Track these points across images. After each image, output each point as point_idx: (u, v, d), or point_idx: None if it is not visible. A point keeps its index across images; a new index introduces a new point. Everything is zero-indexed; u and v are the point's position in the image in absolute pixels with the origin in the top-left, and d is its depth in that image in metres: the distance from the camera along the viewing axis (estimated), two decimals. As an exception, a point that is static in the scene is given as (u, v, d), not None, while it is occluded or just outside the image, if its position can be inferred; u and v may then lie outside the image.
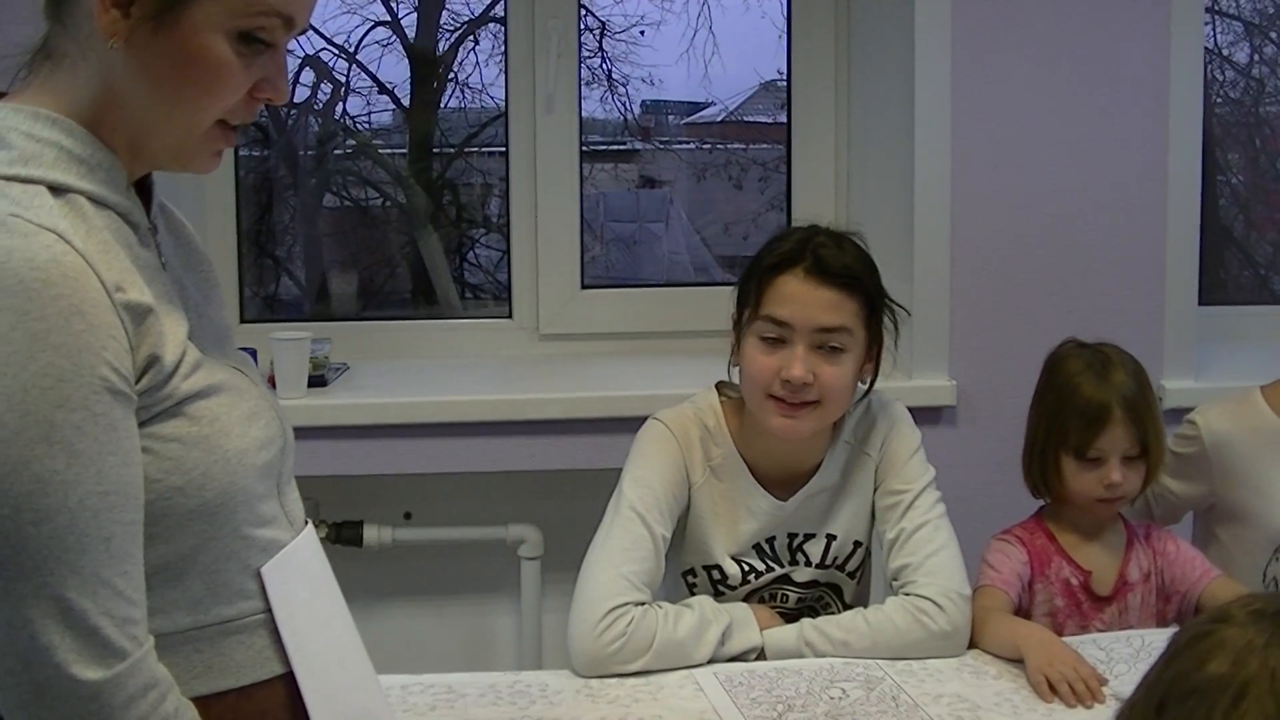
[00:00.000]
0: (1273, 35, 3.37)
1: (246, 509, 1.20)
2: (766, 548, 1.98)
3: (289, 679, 1.25)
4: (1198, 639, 0.94)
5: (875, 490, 1.98)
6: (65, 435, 1.04)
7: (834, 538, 1.98)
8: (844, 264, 1.86)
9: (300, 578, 1.28)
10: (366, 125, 3.21)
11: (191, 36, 1.13)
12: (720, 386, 2.02)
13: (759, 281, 1.88)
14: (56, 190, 1.11)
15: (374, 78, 3.12)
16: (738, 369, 1.94)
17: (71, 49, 1.16)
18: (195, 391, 1.16)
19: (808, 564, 1.99)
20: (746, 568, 1.97)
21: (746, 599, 1.96)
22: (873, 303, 1.89)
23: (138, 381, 1.11)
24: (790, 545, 1.99)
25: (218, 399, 1.18)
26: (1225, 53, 3.35)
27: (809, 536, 1.98)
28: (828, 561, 1.99)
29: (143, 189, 1.22)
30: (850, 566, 2.00)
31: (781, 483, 1.97)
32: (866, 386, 1.96)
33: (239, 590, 1.21)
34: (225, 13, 1.13)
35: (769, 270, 1.87)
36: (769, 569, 1.98)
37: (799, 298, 1.84)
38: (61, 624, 1.04)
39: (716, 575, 1.97)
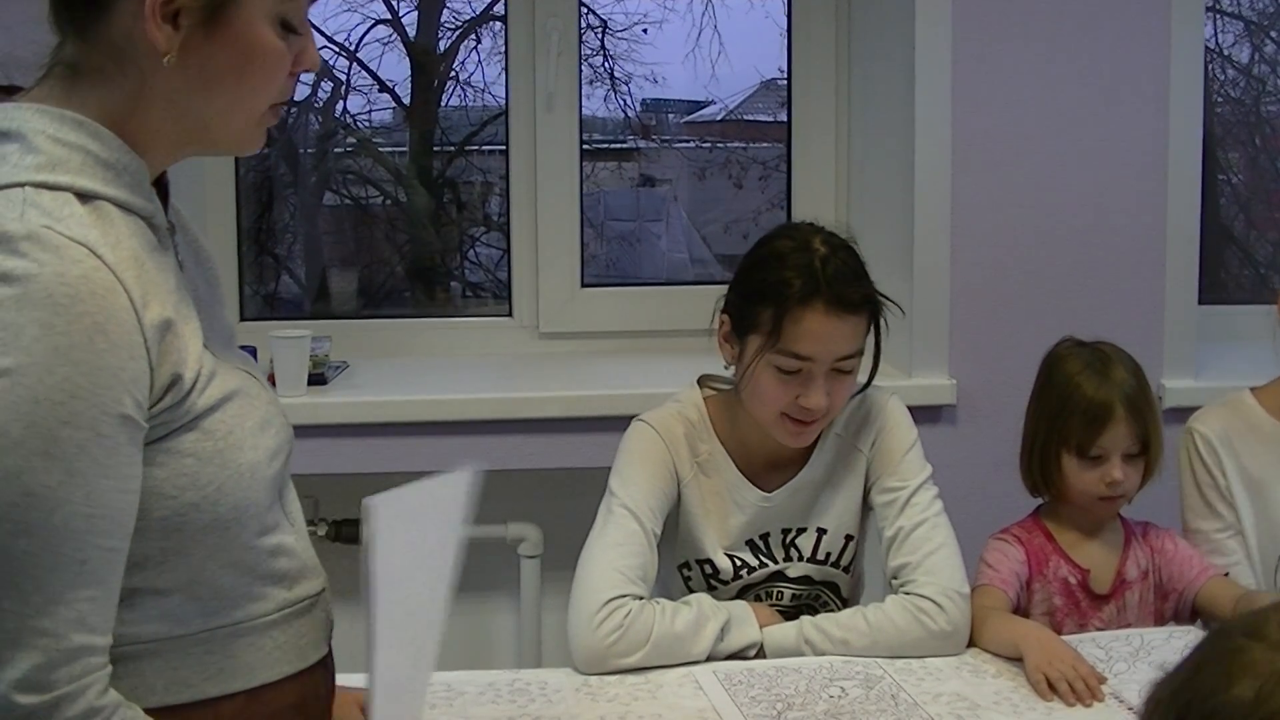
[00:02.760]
0: (1273, 34, 3.37)
1: (256, 521, 1.20)
2: (760, 544, 1.98)
3: (297, 679, 1.26)
4: (1228, 653, 0.91)
5: (870, 487, 1.98)
6: (66, 451, 1.04)
7: (824, 531, 1.99)
8: (862, 295, 1.86)
9: (412, 525, 1.18)
10: (367, 123, 3.22)
11: (243, 31, 1.15)
12: (702, 381, 2.03)
13: (777, 312, 1.84)
14: (84, 197, 1.11)
15: (375, 76, 3.12)
16: (731, 369, 1.94)
17: (106, 65, 1.15)
18: (211, 405, 1.16)
19: (800, 559, 1.99)
20: (739, 563, 1.97)
21: (741, 595, 1.96)
22: (876, 312, 1.91)
23: (161, 399, 1.11)
24: (784, 541, 1.99)
25: (231, 408, 1.19)
26: (1226, 51, 3.35)
27: (800, 531, 1.99)
28: (819, 556, 1.99)
29: (158, 185, 1.22)
30: (844, 561, 2.01)
31: (768, 476, 1.97)
32: (865, 381, 1.96)
33: (246, 594, 1.21)
34: (270, 1, 1.15)
35: (786, 302, 1.83)
36: (762, 564, 1.98)
37: (821, 334, 1.83)
38: (13, 643, 1.04)
39: (709, 570, 1.97)
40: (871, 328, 1.90)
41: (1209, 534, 2.10)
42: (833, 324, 1.83)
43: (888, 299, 1.92)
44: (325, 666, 1.33)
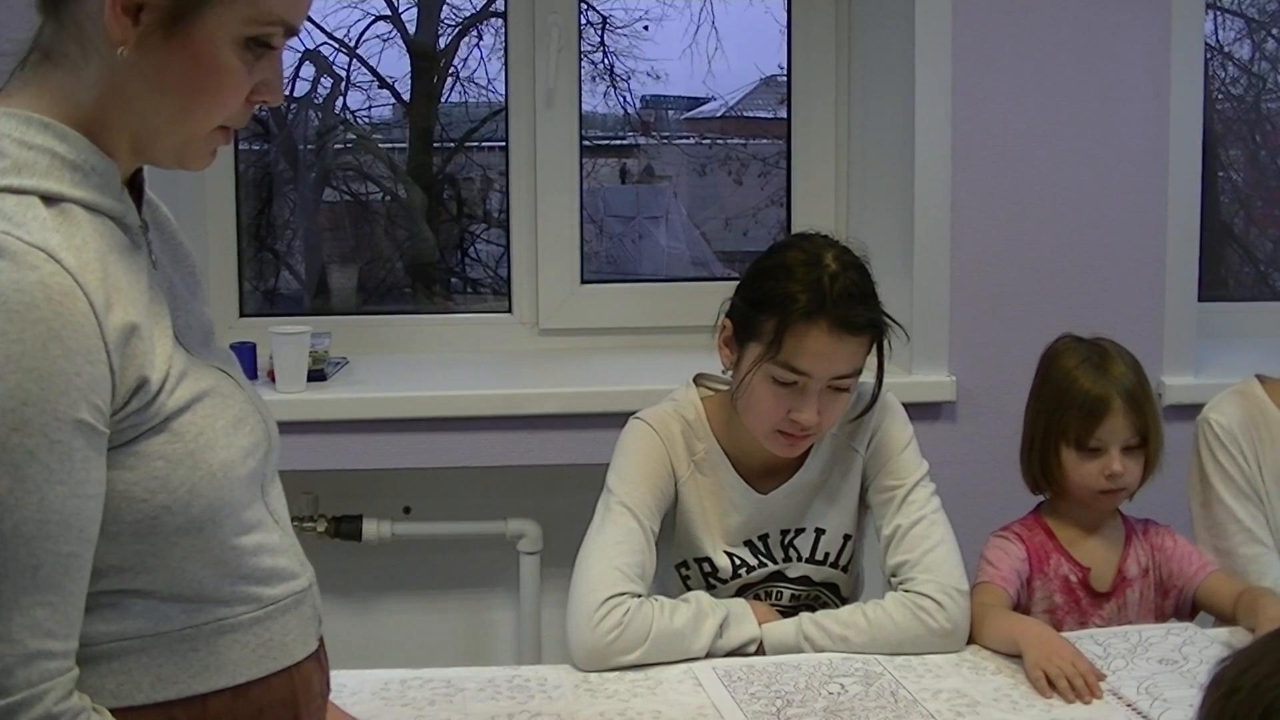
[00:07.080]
0: (1274, 31, 3.37)
1: (233, 520, 1.20)
2: (759, 545, 1.98)
3: (286, 675, 1.25)
4: None
5: (867, 485, 1.98)
6: (15, 459, 1.03)
7: (823, 531, 1.99)
8: (867, 318, 1.85)
9: None
10: (367, 120, 3.21)
11: (202, 44, 1.13)
12: (698, 379, 2.03)
13: (779, 325, 1.83)
14: (49, 200, 1.10)
15: (374, 72, 3.12)
16: (729, 373, 1.94)
17: (72, 50, 1.14)
18: (181, 406, 1.15)
19: (799, 559, 1.99)
20: (738, 561, 1.97)
21: (740, 595, 1.96)
22: (880, 334, 1.89)
23: (127, 403, 1.10)
24: (783, 542, 1.99)
25: (202, 409, 1.18)
26: (1226, 49, 3.35)
27: (799, 531, 1.99)
28: (818, 557, 1.99)
29: (132, 184, 1.22)
30: (843, 561, 2.01)
31: (764, 477, 1.97)
32: (869, 403, 1.95)
33: (229, 592, 1.21)
34: (235, 21, 1.13)
35: (790, 316, 1.82)
36: (761, 564, 1.98)
37: (822, 353, 1.82)
38: None
39: (707, 568, 1.97)
40: (875, 347, 1.89)
41: (1242, 520, 2.03)
42: (834, 344, 1.82)
43: (893, 320, 1.91)
44: (317, 661, 1.33)
